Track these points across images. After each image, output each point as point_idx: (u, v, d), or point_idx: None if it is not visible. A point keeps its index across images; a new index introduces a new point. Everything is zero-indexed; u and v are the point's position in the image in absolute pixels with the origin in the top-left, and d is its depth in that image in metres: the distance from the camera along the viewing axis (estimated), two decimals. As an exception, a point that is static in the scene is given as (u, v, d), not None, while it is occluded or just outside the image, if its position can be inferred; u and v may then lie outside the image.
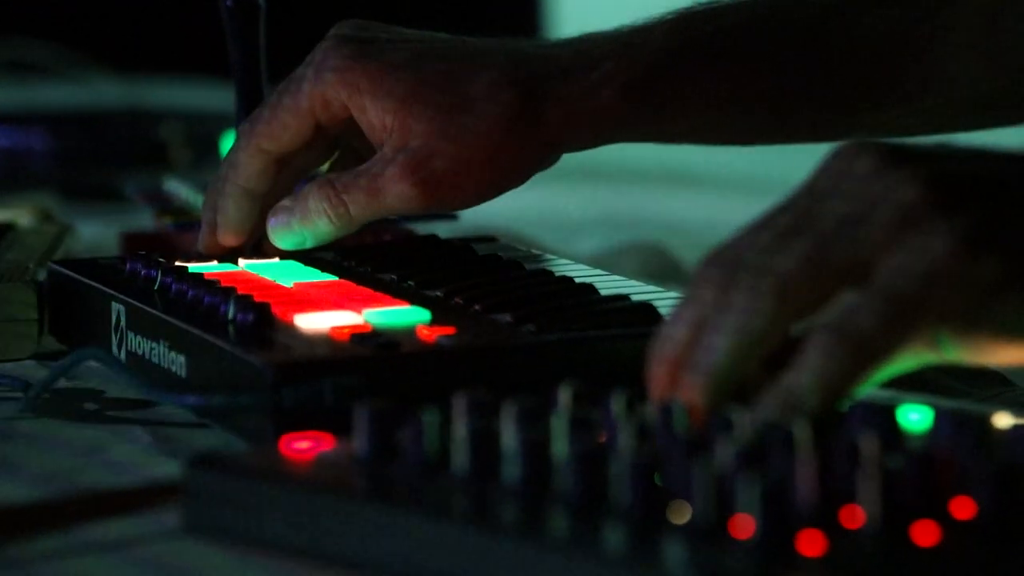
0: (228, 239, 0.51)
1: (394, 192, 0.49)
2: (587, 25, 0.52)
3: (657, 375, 0.38)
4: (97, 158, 0.84)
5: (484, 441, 0.35)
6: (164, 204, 0.64)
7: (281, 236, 0.50)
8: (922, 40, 0.51)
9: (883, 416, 0.36)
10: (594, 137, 0.50)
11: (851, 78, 0.51)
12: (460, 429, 0.35)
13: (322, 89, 0.49)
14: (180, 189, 0.64)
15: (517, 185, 0.50)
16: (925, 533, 0.32)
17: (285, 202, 0.50)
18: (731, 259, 0.37)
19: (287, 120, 0.50)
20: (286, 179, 0.51)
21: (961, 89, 0.52)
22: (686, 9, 0.51)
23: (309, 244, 0.51)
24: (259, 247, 0.53)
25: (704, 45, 0.50)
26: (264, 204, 0.51)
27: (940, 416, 0.36)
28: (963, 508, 0.32)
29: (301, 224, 0.50)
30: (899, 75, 0.52)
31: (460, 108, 0.48)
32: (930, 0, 0.51)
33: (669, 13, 0.51)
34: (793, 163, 0.56)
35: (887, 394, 0.38)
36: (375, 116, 0.49)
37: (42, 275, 0.53)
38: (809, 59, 0.51)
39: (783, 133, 0.54)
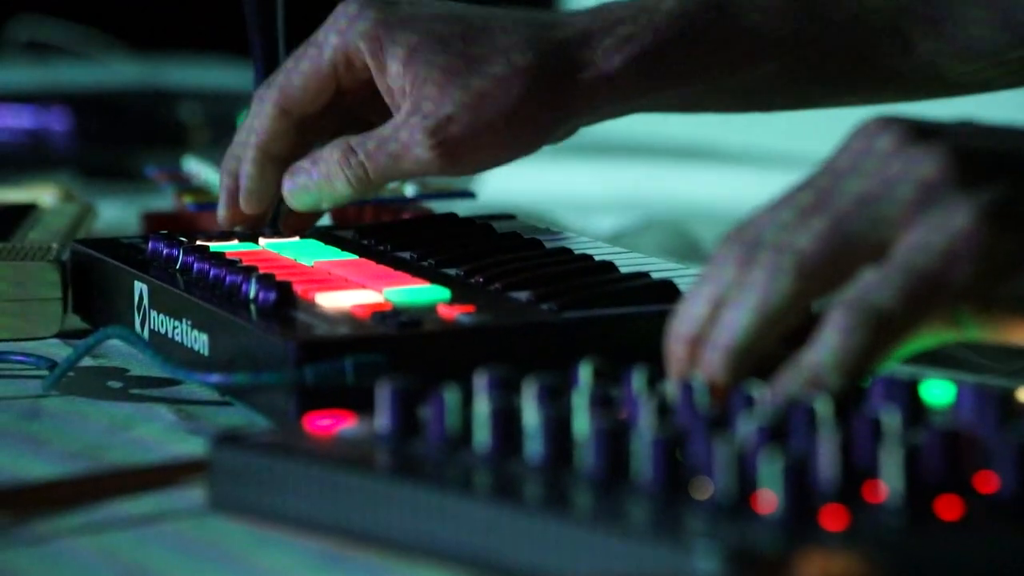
0: (251, 206, 0.51)
1: (413, 157, 0.49)
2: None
3: (676, 352, 0.38)
4: (117, 138, 0.85)
5: (506, 418, 0.35)
6: (184, 183, 0.64)
7: (298, 197, 0.50)
8: (939, 8, 0.51)
9: (905, 391, 0.36)
10: (610, 102, 0.50)
11: (867, 48, 0.51)
12: (482, 406, 0.35)
13: (345, 47, 0.49)
14: (199, 168, 0.64)
15: (534, 149, 0.50)
16: (948, 507, 0.32)
17: (303, 163, 0.50)
18: (751, 237, 0.37)
19: (309, 80, 0.50)
20: (302, 147, 0.51)
21: (981, 52, 0.51)
22: None
23: (325, 206, 0.50)
24: (276, 226, 0.54)
25: (715, 12, 0.50)
26: (283, 171, 0.51)
27: (963, 391, 0.36)
28: (986, 482, 0.32)
29: (319, 185, 0.50)
30: (916, 45, 0.51)
31: (478, 72, 0.49)
32: None
33: None
34: (814, 140, 0.56)
35: (909, 369, 0.38)
36: (395, 75, 0.49)
37: (65, 255, 0.54)
38: (823, 26, 0.51)
39: (799, 99, 0.54)
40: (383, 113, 0.51)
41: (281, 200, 0.51)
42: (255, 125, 0.50)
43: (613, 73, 0.49)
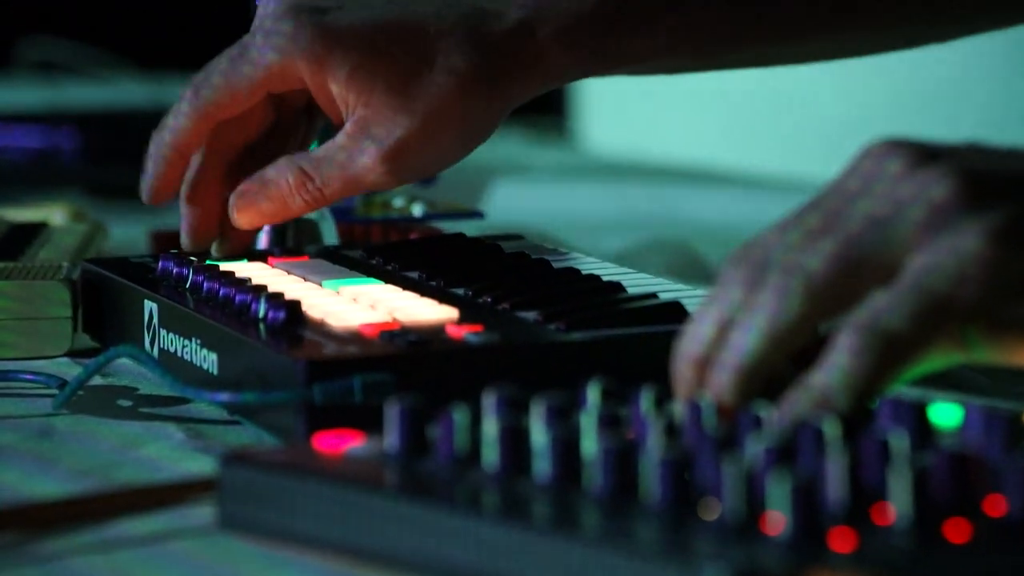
0: (158, 197, 0.51)
1: (369, 179, 0.50)
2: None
3: (683, 373, 0.38)
4: (126, 157, 0.85)
5: (514, 438, 0.35)
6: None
7: (248, 218, 0.51)
8: None
9: (913, 413, 0.36)
10: (553, 85, 0.51)
11: (801, 6, 0.52)
12: (490, 426, 0.35)
13: (283, 64, 0.49)
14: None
15: (480, 144, 0.51)
16: (956, 530, 0.32)
17: (251, 187, 0.51)
18: (758, 257, 0.37)
19: (242, 93, 0.50)
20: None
21: None
22: None
23: (274, 222, 0.51)
24: (284, 244, 0.54)
25: (653, 2, 0.51)
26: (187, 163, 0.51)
27: (970, 413, 0.36)
28: (995, 506, 0.32)
29: (273, 207, 0.50)
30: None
31: (422, 85, 0.49)
32: None
33: None
34: (821, 161, 0.56)
35: (917, 391, 0.38)
36: (338, 93, 0.50)
37: (75, 274, 0.54)
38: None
39: (727, 66, 0.55)
40: (302, 102, 0.51)
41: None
42: (173, 124, 0.50)
43: (554, 63, 0.50)
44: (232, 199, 0.51)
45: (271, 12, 0.50)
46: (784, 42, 0.53)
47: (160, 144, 0.51)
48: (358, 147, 0.50)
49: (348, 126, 0.50)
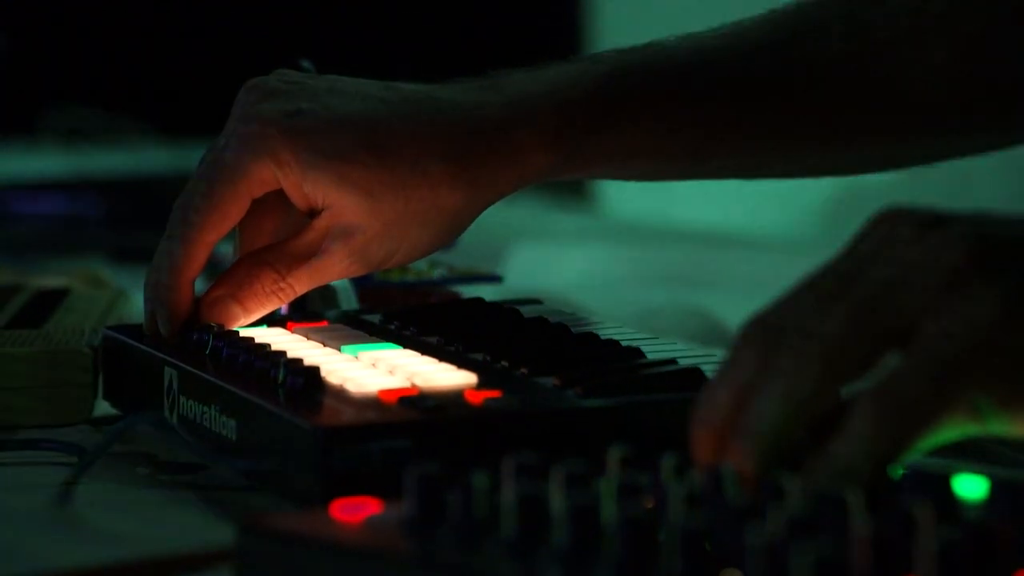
0: (174, 331, 0.51)
1: (336, 272, 0.51)
2: (626, 37, 0.52)
3: (701, 440, 0.37)
4: (149, 223, 0.86)
5: (533, 505, 0.35)
6: (214, 269, 0.65)
7: (229, 320, 0.51)
8: (883, 67, 0.51)
9: (938, 484, 0.35)
10: (528, 184, 0.51)
11: (799, 119, 0.52)
12: (508, 493, 0.35)
13: (258, 171, 0.49)
14: (230, 254, 0.65)
15: (454, 240, 0.51)
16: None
17: (221, 291, 0.51)
18: (773, 323, 0.37)
19: (228, 209, 0.50)
20: None
21: (928, 109, 0.52)
22: (620, 56, 0.51)
23: (250, 320, 0.51)
24: (304, 309, 0.54)
25: (632, 102, 0.51)
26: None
27: (996, 485, 0.35)
28: (1021, 579, 0.32)
29: (248, 308, 0.51)
30: (859, 107, 0.52)
31: (393, 187, 0.49)
32: (891, 27, 0.51)
33: (602, 61, 0.51)
34: (839, 225, 0.56)
35: (941, 462, 0.37)
36: (309, 192, 0.50)
37: (97, 340, 0.54)
38: (744, 108, 0.52)
39: (711, 173, 0.55)
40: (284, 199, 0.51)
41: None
42: (181, 255, 0.50)
43: (532, 163, 0.50)
44: (205, 306, 0.51)
45: (240, 115, 0.50)
46: (765, 150, 0.53)
47: (169, 274, 0.50)
48: (324, 243, 0.50)
49: (316, 221, 0.50)
